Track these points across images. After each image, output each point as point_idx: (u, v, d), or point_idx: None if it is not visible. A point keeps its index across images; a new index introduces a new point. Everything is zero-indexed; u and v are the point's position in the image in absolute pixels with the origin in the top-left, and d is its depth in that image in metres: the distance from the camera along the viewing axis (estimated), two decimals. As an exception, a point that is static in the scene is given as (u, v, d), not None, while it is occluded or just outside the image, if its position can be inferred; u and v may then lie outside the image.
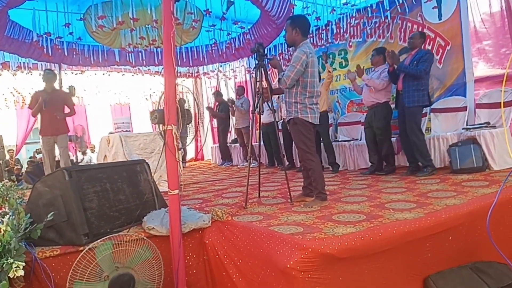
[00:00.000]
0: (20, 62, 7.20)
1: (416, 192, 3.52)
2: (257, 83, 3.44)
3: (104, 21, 5.07)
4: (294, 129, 3.38)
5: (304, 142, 3.34)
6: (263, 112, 3.65)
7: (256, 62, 3.47)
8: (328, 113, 5.89)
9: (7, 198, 3.14)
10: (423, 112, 5.20)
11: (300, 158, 3.48)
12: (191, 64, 7.88)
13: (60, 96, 5.58)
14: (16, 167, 9.58)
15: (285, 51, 7.62)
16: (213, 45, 7.01)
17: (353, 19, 5.66)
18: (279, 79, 3.29)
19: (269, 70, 7.95)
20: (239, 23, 5.74)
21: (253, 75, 3.51)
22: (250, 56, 7.68)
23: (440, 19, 5.17)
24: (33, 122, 10.58)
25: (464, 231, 2.71)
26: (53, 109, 5.21)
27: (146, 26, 5.66)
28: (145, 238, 2.44)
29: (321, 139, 5.64)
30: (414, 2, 5.34)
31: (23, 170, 9.02)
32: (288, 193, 3.54)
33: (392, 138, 5.22)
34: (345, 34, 6.17)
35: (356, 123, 6.23)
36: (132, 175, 3.08)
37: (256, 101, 3.49)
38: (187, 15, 4.98)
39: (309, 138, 3.36)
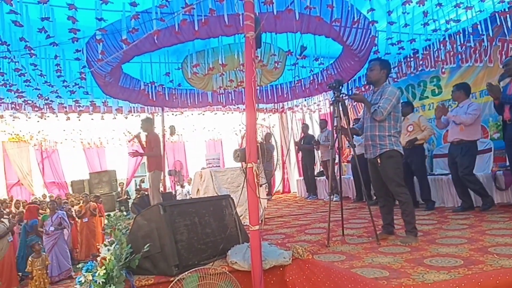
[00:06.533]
0: (130, 107, 8.35)
1: (528, 235, 3.05)
2: (335, 118, 3.46)
3: (198, 68, 5.66)
4: (390, 162, 3.35)
5: (398, 175, 3.36)
6: (342, 147, 3.63)
7: (333, 98, 3.52)
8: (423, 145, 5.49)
9: (116, 228, 3.58)
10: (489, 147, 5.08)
11: (393, 192, 3.41)
12: (276, 101, 8.21)
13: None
14: (125, 197, 10.83)
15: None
16: (296, 82, 7.22)
17: (443, 44, 5.31)
18: (374, 110, 3.33)
19: (350, 105, 7.82)
20: (319, 59, 5.83)
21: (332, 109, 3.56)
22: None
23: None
24: (140, 159, 11.97)
25: None
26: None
27: (234, 70, 6.13)
28: (227, 272, 2.54)
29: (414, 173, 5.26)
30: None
31: (131, 201, 10.11)
32: (374, 232, 3.37)
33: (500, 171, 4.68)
34: (436, 60, 5.83)
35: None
36: (218, 210, 3.27)
37: (335, 136, 3.49)
38: (271, 57, 5.28)
39: (401, 170, 3.41)
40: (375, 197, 5.45)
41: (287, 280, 2.74)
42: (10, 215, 6.76)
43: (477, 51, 5.31)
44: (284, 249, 3.00)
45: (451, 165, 4.76)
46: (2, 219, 5.71)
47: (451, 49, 5.33)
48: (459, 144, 4.60)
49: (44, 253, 5.35)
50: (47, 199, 9.06)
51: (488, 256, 2.57)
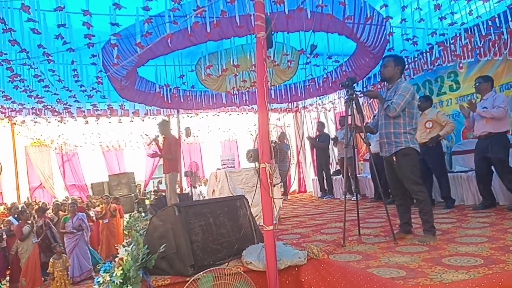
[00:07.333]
0: (147, 110, 8.47)
1: (554, 234, 2.94)
2: (349, 116, 3.42)
3: (211, 69, 5.70)
4: (406, 160, 3.28)
5: (415, 173, 3.30)
6: (357, 145, 3.59)
7: (347, 96, 3.48)
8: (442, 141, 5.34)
9: (133, 229, 3.64)
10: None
11: (410, 190, 3.34)
12: (290, 100, 8.17)
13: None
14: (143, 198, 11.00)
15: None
16: (310, 81, 7.18)
17: (459, 38, 5.16)
18: (387, 106, 3.28)
19: (366, 102, 7.70)
20: (333, 57, 5.77)
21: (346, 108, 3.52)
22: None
23: None
24: (157, 161, 12.14)
25: None
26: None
27: (248, 70, 6.14)
28: (242, 272, 2.55)
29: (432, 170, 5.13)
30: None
31: (148, 202, 10.26)
32: (391, 231, 3.32)
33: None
34: (453, 55, 5.68)
35: (474, 151, 5.52)
36: (232, 210, 3.28)
37: (349, 134, 3.46)
38: (283, 57, 5.27)
39: (418, 168, 3.35)
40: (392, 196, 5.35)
41: (303, 280, 2.73)
42: (34, 217, 6.96)
43: (496, 44, 5.15)
44: (299, 249, 2.99)
45: (479, 160, 4.54)
46: (27, 221, 5.89)
47: (468, 43, 5.18)
48: (488, 138, 4.40)
49: (64, 255, 5.49)
50: (69, 201, 9.28)
51: (510, 255, 2.50)
